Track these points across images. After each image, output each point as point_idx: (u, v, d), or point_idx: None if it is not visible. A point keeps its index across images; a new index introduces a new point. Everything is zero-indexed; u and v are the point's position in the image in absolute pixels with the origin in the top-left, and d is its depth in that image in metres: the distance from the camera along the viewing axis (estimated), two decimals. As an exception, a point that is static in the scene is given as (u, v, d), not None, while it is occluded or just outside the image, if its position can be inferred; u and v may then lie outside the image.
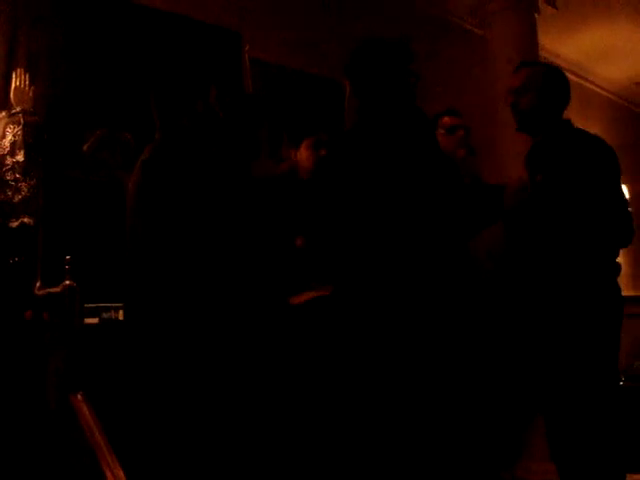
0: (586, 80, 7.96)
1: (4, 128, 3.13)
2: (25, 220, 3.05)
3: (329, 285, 2.55)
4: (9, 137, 3.11)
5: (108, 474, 2.38)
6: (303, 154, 3.06)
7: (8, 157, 3.10)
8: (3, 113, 3.17)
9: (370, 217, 2.35)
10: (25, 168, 3.09)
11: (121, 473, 2.41)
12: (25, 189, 3.08)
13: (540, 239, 2.67)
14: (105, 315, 3.01)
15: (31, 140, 3.14)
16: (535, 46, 5.49)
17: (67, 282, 2.88)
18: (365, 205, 2.35)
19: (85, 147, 3.49)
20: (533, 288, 2.73)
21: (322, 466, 2.48)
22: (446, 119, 3.43)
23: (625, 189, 2.70)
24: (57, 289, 2.90)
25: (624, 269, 2.83)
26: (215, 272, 2.45)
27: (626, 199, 2.75)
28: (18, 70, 3.25)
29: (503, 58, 5.40)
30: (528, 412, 3.52)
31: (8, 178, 3.08)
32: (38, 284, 2.98)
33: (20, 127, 3.12)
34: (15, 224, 3.04)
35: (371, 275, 2.32)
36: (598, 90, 8.31)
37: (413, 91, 2.51)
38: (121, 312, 2.99)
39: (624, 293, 2.75)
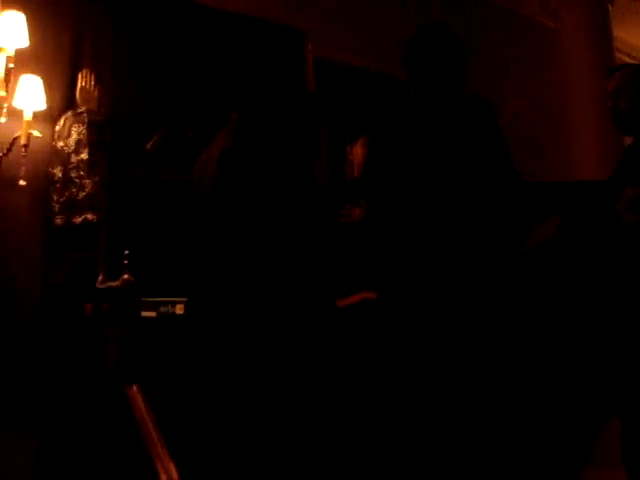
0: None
1: (69, 127, 3.24)
2: (89, 216, 3.13)
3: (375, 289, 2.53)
4: (74, 136, 3.21)
5: (159, 466, 2.43)
6: (359, 151, 3.03)
7: (73, 155, 3.19)
8: (69, 113, 3.28)
9: (416, 216, 2.31)
10: (89, 166, 3.18)
11: (172, 466, 2.46)
12: (89, 186, 3.16)
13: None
14: (162, 309, 3.07)
15: (95, 139, 3.22)
16: (609, 39, 5.33)
17: (126, 276, 2.96)
18: (410, 202, 2.32)
19: (148, 146, 3.57)
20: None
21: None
22: None
23: None
24: (117, 283, 2.98)
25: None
26: (277, 270, 2.46)
27: None
28: (84, 71, 3.35)
29: (576, 51, 5.27)
30: (601, 416, 3.39)
31: (73, 175, 3.18)
32: (100, 278, 3.06)
33: (85, 126, 3.21)
34: (79, 220, 3.14)
35: (417, 279, 2.29)
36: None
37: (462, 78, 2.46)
38: (178, 306, 3.04)
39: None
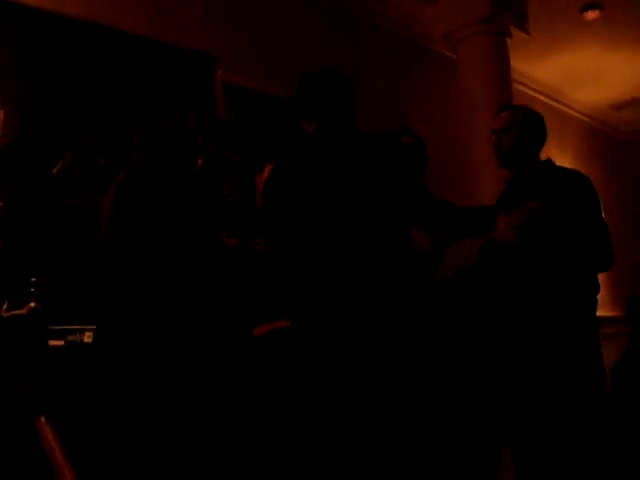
0: (561, 103, 8.07)
1: (-27, 151, 3.15)
2: (-8, 243, 3.05)
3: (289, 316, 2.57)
4: (-23, 160, 3.13)
5: (68, 498, 2.37)
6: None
7: (-24, 180, 3.11)
8: (-29, 136, 3.19)
9: (319, 240, 2.38)
10: (-7, 191, 3.11)
11: (82, 497, 2.40)
12: (-7, 212, 3.09)
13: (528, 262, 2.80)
14: (70, 338, 3.01)
15: (0, 163, 3.15)
16: (507, 70, 5.58)
17: (32, 304, 2.88)
18: (313, 226, 2.38)
19: (55, 170, 3.50)
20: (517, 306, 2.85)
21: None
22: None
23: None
24: (22, 311, 2.89)
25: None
26: (184, 299, 2.46)
27: (606, 226, 2.84)
28: (-14, 93, 3.27)
29: (475, 83, 5.50)
30: (497, 441, 3.51)
31: (-24, 201, 3.09)
32: (4, 306, 2.97)
33: (-11, 150, 3.14)
34: (-18, 247, 3.05)
35: (325, 303, 2.35)
36: (574, 113, 8.41)
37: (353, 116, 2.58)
38: (86, 335, 2.99)
39: (600, 313, 2.93)
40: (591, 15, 6.25)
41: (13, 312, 2.90)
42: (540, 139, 3.01)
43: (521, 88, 6.95)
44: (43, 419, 2.66)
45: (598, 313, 2.88)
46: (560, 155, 6.77)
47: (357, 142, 2.51)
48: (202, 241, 2.57)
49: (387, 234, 2.41)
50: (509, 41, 5.62)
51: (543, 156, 3.05)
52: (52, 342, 2.95)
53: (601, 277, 2.88)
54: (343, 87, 2.59)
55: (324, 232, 2.37)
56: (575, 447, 2.73)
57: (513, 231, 2.74)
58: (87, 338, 2.98)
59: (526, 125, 2.98)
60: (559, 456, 2.72)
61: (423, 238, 2.91)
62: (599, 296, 2.86)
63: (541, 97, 7.53)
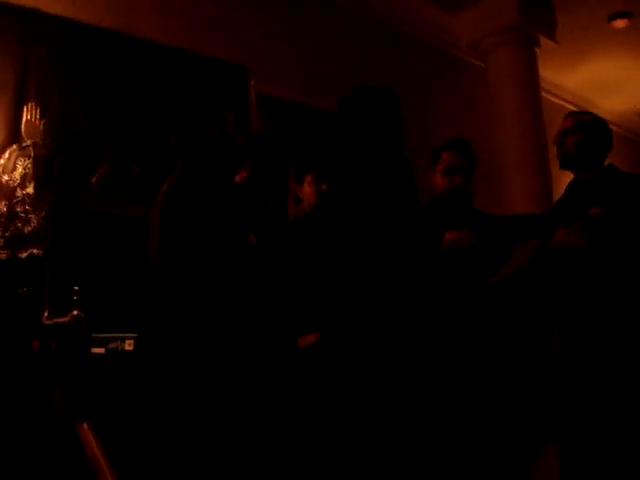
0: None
1: (15, 161, 3.20)
2: (34, 251, 3.10)
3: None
4: (20, 170, 3.18)
5: (113, 503, 2.40)
6: (307, 190, 3.07)
7: (18, 189, 3.16)
8: (14, 146, 3.24)
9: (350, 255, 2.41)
10: (35, 200, 3.15)
11: (126, 503, 2.43)
12: (35, 221, 3.13)
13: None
14: (111, 345, 3.05)
15: (41, 173, 3.20)
16: (536, 79, 5.58)
17: (75, 312, 2.93)
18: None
19: (93, 179, 3.56)
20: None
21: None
22: (445, 155, 3.14)
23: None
24: (65, 319, 2.94)
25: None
26: (232, 308, 2.48)
27: None
28: (29, 104, 3.33)
29: (503, 91, 5.50)
30: (538, 440, 3.50)
31: (18, 210, 3.14)
32: (46, 314, 3.02)
33: (30, 160, 3.19)
34: (24, 255, 3.09)
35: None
36: (600, 121, 8.35)
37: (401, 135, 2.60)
38: (127, 342, 3.02)
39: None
40: (619, 24, 6.22)
41: (56, 320, 2.95)
42: (606, 145, 3.00)
43: (549, 97, 6.94)
44: (86, 425, 2.70)
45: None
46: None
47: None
48: (250, 249, 2.59)
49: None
50: (537, 50, 5.62)
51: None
52: (93, 350, 2.99)
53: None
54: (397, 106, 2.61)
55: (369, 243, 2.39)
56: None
57: (575, 238, 2.73)
58: (128, 346, 3.02)
59: (592, 129, 2.97)
60: (614, 454, 2.69)
61: (465, 236, 2.90)
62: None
63: (568, 105, 7.50)
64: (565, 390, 2.85)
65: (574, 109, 7.60)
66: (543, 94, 5.91)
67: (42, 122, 3.33)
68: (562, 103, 7.41)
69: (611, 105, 8.08)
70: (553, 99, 7.20)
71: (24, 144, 3.23)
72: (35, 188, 3.16)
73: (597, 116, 3.07)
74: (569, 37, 6.01)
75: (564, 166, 3.04)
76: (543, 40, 5.65)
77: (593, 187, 2.89)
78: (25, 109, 3.31)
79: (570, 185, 3.05)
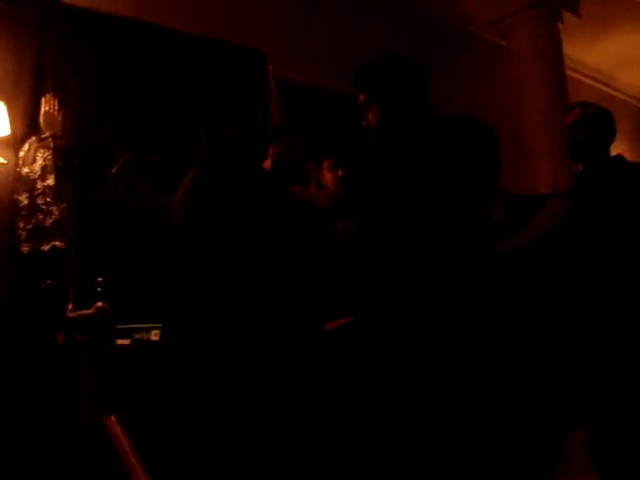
0: (611, 87, 7.95)
1: (34, 153, 3.17)
2: (57, 243, 3.08)
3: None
4: (39, 161, 3.15)
5: (143, 496, 2.39)
6: (326, 176, 3.07)
7: (39, 181, 3.13)
8: (33, 138, 3.21)
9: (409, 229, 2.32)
10: (56, 192, 3.12)
11: (155, 495, 2.42)
12: (56, 213, 3.10)
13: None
14: (137, 336, 3.02)
15: (61, 164, 3.17)
16: (560, 56, 5.49)
17: (99, 304, 2.90)
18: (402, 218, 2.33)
19: (114, 170, 3.53)
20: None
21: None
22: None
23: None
24: (89, 311, 2.92)
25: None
26: (258, 294, 2.44)
27: None
28: (47, 95, 3.29)
29: (527, 68, 5.41)
30: (569, 424, 3.48)
31: (39, 202, 3.11)
32: (70, 306, 3.00)
33: (50, 151, 3.15)
34: (47, 248, 3.07)
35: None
36: (623, 97, 8.29)
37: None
38: (152, 333, 3.00)
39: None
40: (642, -3, 6.11)
41: (80, 312, 2.93)
42: (609, 135, 3.10)
43: (570, 73, 6.84)
44: (113, 418, 2.68)
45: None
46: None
47: (442, 126, 2.44)
48: (278, 238, 2.54)
49: (474, 221, 2.34)
50: (560, 26, 5.52)
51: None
52: (119, 341, 2.97)
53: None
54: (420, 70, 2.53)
55: (413, 219, 2.30)
56: None
57: None
58: (154, 336, 3.00)
59: (597, 121, 3.07)
60: None
61: (555, 206, 2.98)
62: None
63: (589, 81, 7.41)
64: (592, 374, 2.88)
65: (596, 85, 7.51)
66: (568, 72, 5.81)
67: (61, 113, 3.29)
68: (582, 78, 7.32)
69: (632, 79, 7.99)
70: (573, 74, 7.11)
71: (43, 136, 3.20)
72: (55, 180, 3.12)
73: (600, 106, 3.16)
74: (592, 11, 5.90)
75: (575, 159, 3.17)
76: (566, 15, 5.55)
77: (600, 178, 3.01)
78: (43, 100, 3.27)
79: (578, 177, 3.17)
